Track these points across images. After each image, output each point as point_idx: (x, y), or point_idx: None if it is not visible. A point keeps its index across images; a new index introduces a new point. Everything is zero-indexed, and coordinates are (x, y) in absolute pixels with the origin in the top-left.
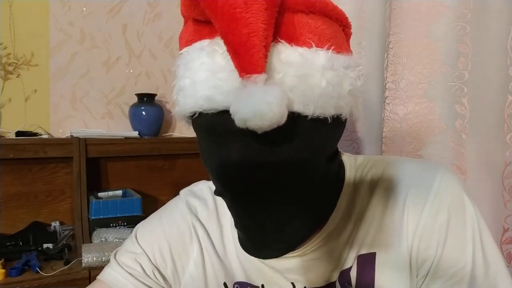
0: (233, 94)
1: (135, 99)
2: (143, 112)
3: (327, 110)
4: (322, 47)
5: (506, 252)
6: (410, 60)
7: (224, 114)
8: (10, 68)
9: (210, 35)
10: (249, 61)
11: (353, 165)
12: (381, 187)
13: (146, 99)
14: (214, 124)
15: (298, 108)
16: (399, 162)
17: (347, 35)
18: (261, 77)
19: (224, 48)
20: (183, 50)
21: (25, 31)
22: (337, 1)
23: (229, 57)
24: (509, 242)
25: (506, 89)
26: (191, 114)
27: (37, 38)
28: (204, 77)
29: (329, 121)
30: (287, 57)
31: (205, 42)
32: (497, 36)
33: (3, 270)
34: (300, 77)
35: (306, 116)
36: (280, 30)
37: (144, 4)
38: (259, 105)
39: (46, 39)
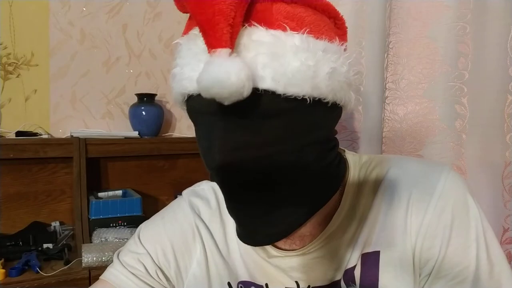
0: None
1: (135, 99)
2: (143, 112)
3: (303, 89)
4: (298, 31)
5: (506, 252)
6: (410, 60)
7: None
8: (10, 68)
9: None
10: (213, 36)
11: (357, 163)
12: (385, 186)
13: (146, 99)
14: (199, 105)
15: (269, 85)
16: (404, 162)
17: (340, 27)
18: (225, 50)
19: None
20: (176, 41)
21: (25, 31)
22: (337, 1)
23: None
24: (509, 242)
25: (506, 89)
26: (182, 99)
27: (37, 38)
28: (189, 60)
29: (309, 102)
30: (259, 37)
31: (193, 31)
32: (497, 36)
33: (3, 270)
34: (272, 55)
35: (281, 95)
36: (256, 16)
37: (144, 4)
38: (218, 73)
39: (46, 39)
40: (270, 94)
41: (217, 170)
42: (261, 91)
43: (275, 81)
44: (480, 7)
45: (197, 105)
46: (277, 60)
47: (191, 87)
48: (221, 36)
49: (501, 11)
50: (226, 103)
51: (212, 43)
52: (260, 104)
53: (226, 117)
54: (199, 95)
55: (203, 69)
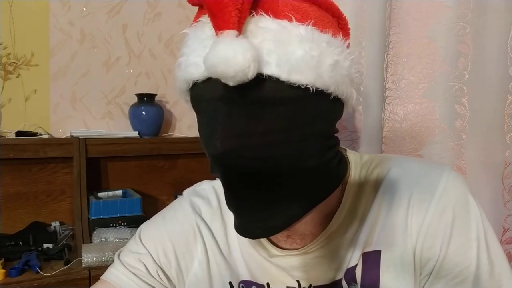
0: None
1: (135, 99)
2: (143, 112)
3: (306, 78)
4: (303, 23)
5: (506, 252)
6: (410, 60)
7: (211, 80)
8: (10, 68)
9: (205, 12)
10: (221, 18)
11: (358, 163)
12: (386, 186)
13: (146, 99)
14: (203, 90)
15: (274, 70)
16: (405, 161)
17: (343, 28)
18: (232, 32)
19: None
20: (184, 31)
21: (25, 31)
22: (337, 1)
23: None
24: (509, 242)
25: (506, 89)
26: (187, 87)
27: (37, 38)
28: (195, 47)
29: (312, 92)
30: (265, 24)
31: (201, 18)
32: (497, 36)
33: (3, 270)
34: (277, 42)
35: (286, 82)
36: (263, 6)
37: (144, 4)
38: (225, 52)
39: (46, 39)
40: (274, 81)
41: (219, 157)
42: (266, 76)
43: (279, 67)
44: (480, 7)
45: (201, 91)
46: (282, 47)
47: (197, 73)
48: (229, 18)
49: (501, 11)
50: (231, 83)
51: (220, 25)
52: (264, 90)
53: (231, 102)
54: (204, 82)
55: (210, 48)
